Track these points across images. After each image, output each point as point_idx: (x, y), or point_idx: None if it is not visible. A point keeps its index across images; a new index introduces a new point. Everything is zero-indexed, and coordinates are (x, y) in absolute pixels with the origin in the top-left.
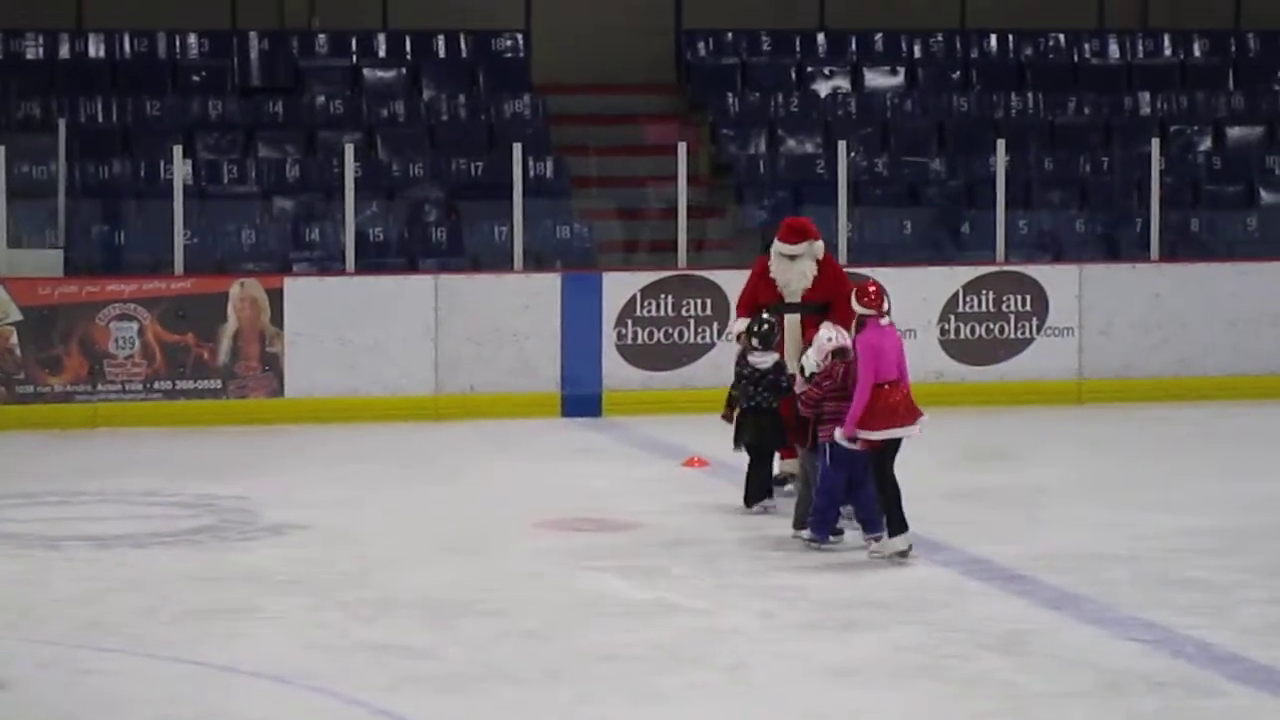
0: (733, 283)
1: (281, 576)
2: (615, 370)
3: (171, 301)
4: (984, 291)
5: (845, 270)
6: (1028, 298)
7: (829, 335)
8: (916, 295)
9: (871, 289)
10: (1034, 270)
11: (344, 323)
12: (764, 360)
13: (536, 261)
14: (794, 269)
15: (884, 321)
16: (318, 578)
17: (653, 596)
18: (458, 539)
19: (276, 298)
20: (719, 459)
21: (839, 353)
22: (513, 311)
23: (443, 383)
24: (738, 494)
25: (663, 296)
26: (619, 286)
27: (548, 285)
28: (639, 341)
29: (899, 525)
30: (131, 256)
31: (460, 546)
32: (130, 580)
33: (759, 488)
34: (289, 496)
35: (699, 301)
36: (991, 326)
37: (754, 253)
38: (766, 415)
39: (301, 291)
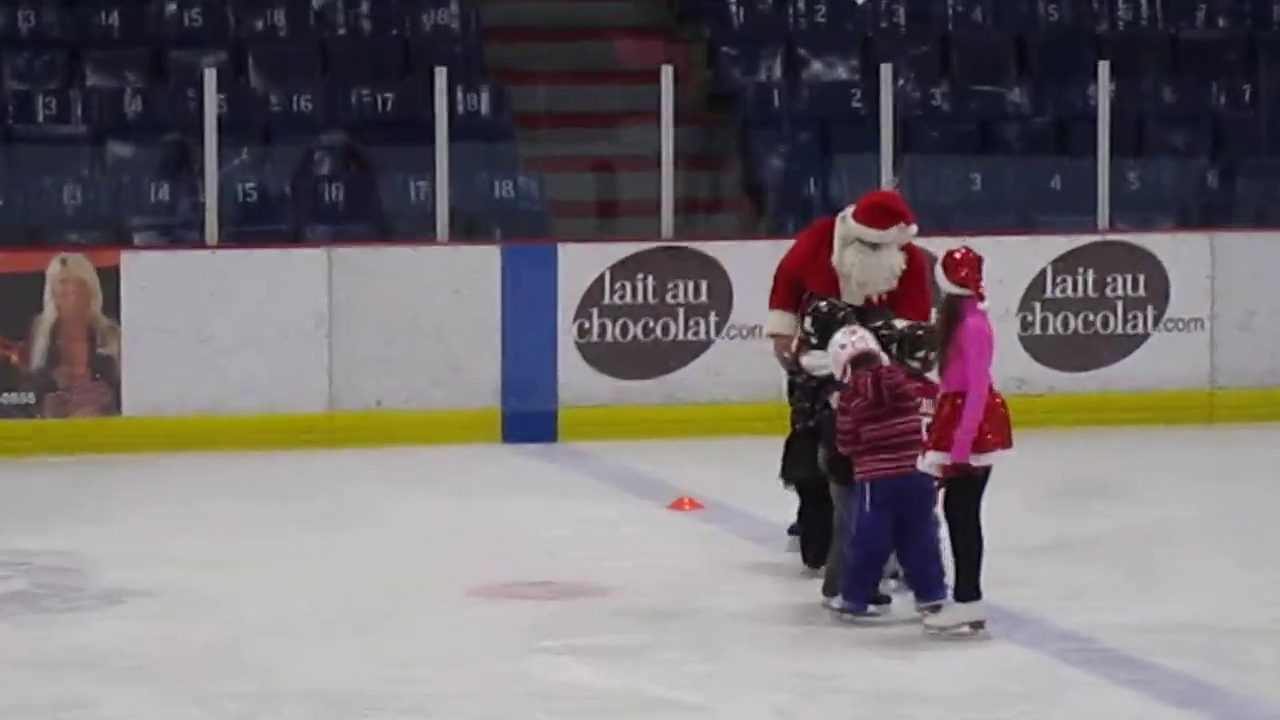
0: (737, 259)
1: (122, 661)
2: (576, 379)
3: None
4: (1081, 270)
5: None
6: (1141, 278)
7: (843, 341)
8: (989, 274)
9: (963, 259)
10: (1150, 240)
11: (203, 313)
12: (826, 362)
13: (468, 229)
14: (876, 264)
15: (983, 305)
16: (170, 662)
17: (627, 686)
18: (361, 609)
19: (111, 279)
20: (717, 499)
21: (862, 359)
22: (436, 298)
23: (340, 396)
24: (743, 546)
25: (641, 277)
26: (581, 263)
27: (483, 261)
28: (608, 339)
29: (971, 589)
30: None
31: (365, 619)
32: None
33: (821, 538)
34: (130, 551)
35: (690, 284)
36: (1092, 318)
37: (765, 217)
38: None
39: (145, 270)
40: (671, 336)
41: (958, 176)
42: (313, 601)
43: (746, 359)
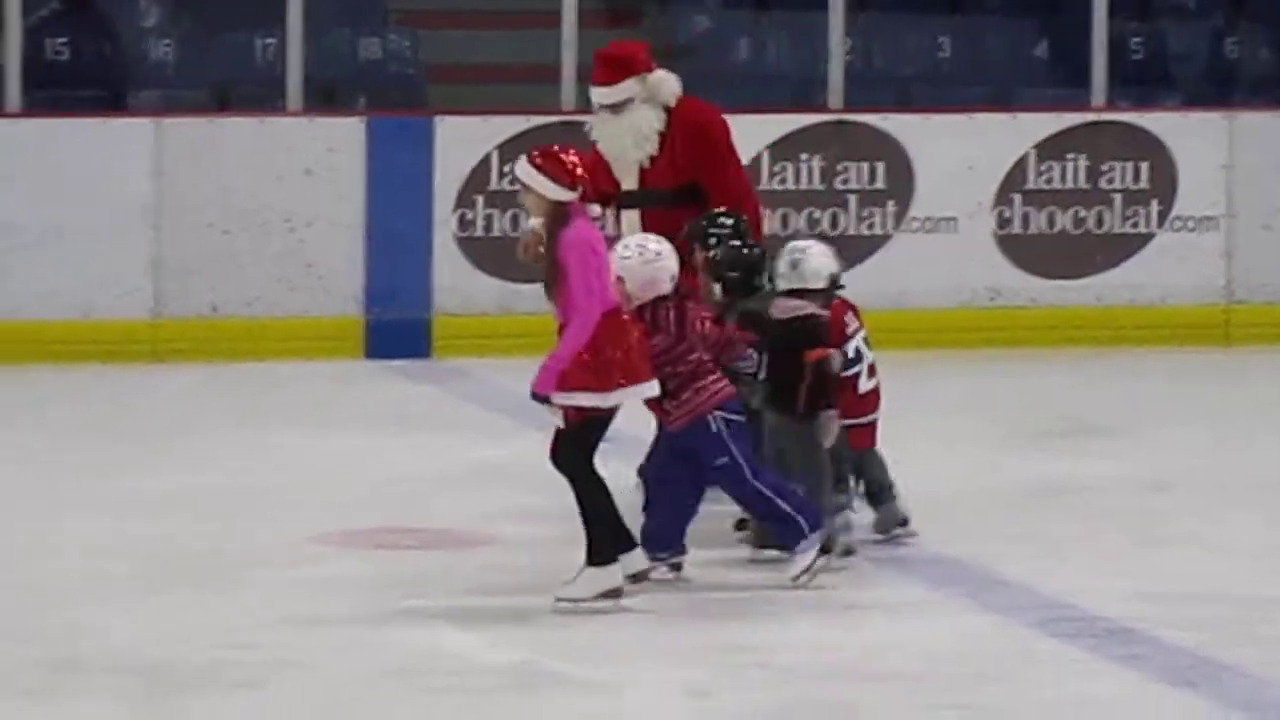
0: None
1: None
2: (455, 280)
3: None
4: (1070, 156)
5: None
6: (1143, 166)
7: (625, 253)
8: (959, 159)
9: (562, 151)
10: (1153, 120)
11: (1, 198)
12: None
13: (326, 96)
14: (616, 128)
15: (594, 210)
16: None
17: (513, 659)
18: (185, 562)
19: None
20: (619, 428)
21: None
22: (286, 179)
23: (165, 299)
24: None
25: None
26: (463, 140)
27: (344, 135)
28: (494, 232)
29: (606, 550)
30: None
31: (191, 575)
32: None
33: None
34: None
35: None
36: (1083, 214)
37: (690, 85)
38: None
39: None
40: None
41: (923, 41)
42: (129, 552)
43: None
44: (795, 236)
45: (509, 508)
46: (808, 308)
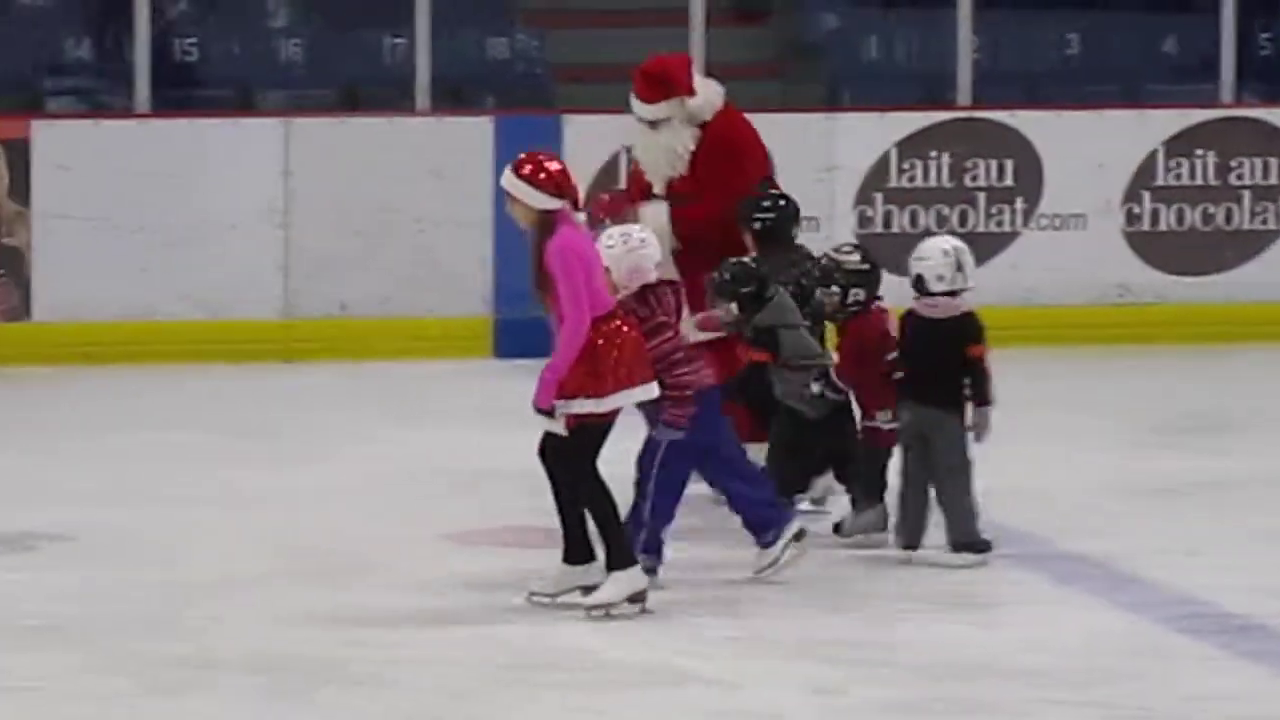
0: (781, 133)
1: (31, 620)
2: None
3: None
4: (1199, 152)
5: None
6: (1272, 162)
7: (609, 242)
8: (1087, 156)
9: (548, 160)
10: None
11: (132, 198)
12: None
13: (454, 96)
14: (653, 145)
15: (580, 216)
16: (90, 622)
17: (639, 656)
18: (314, 558)
19: (18, 154)
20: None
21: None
22: (414, 180)
23: (297, 300)
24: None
25: None
26: (591, 139)
27: (471, 136)
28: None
29: (624, 553)
30: None
31: (319, 572)
32: None
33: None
34: (39, 486)
35: None
36: (1212, 211)
37: (809, 85)
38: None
39: (61, 143)
40: None
41: (1051, 37)
42: (258, 550)
43: None
44: (928, 234)
45: None
46: (966, 305)
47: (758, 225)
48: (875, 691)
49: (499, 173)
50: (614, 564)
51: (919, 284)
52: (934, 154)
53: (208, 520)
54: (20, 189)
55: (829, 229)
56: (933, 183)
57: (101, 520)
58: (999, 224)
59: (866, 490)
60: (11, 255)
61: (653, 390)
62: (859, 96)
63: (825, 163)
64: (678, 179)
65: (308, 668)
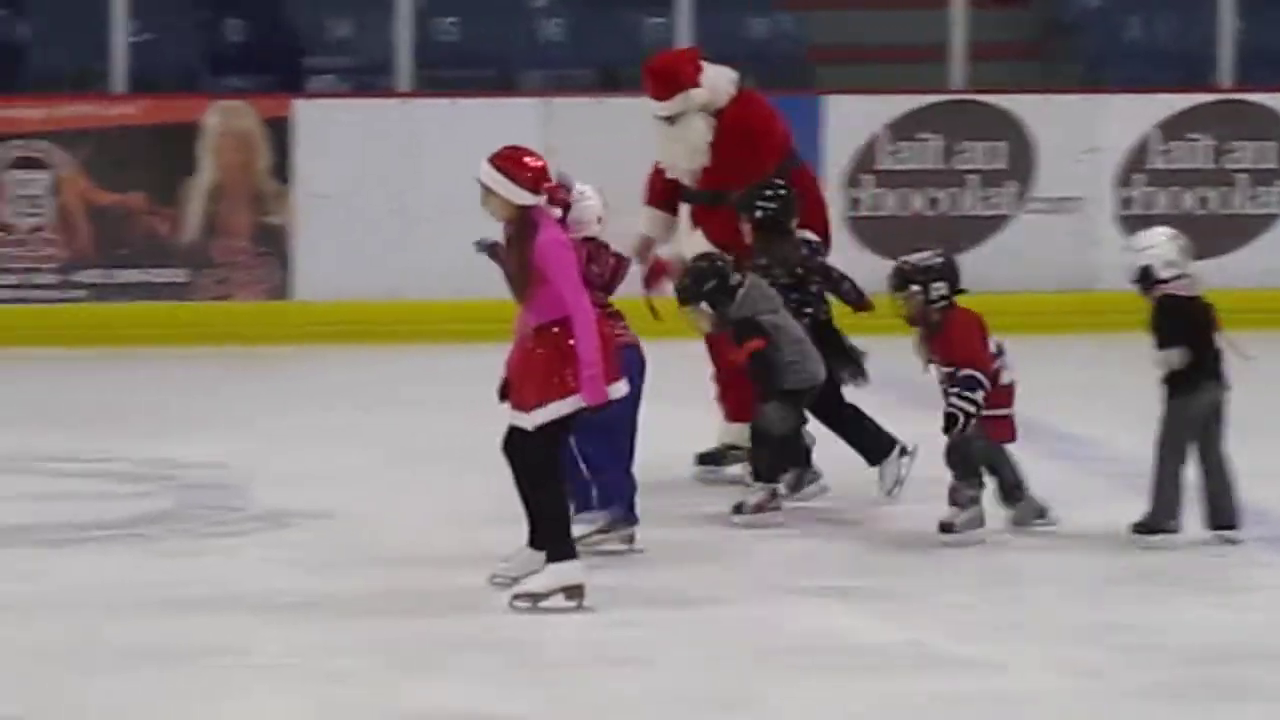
0: (1040, 116)
1: (287, 596)
2: (843, 259)
3: (107, 137)
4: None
5: None
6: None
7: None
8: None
9: (527, 153)
10: None
11: (395, 176)
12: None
13: None
14: (671, 140)
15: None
16: (347, 599)
17: (901, 637)
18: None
19: (279, 132)
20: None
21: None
22: None
23: None
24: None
25: (924, 137)
26: (852, 120)
27: None
28: (883, 212)
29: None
30: (40, 63)
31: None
32: (34, 602)
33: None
34: (298, 464)
35: (983, 146)
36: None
37: (1068, 65)
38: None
39: (323, 122)
40: (969, 209)
41: None
42: (512, 531)
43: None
44: (1187, 216)
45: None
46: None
47: (759, 214)
48: (1136, 675)
49: None
50: (552, 556)
51: (1145, 275)
52: (1195, 135)
53: (454, 495)
54: (280, 167)
55: (1092, 210)
56: (1195, 164)
57: (356, 498)
58: (1262, 206)
59: (1016, 481)
60: (272, 234)
61: (622, 389)
62: (1119, 76)
63: (1086, 143)
64: (702, 172)
65: (569, 649)
